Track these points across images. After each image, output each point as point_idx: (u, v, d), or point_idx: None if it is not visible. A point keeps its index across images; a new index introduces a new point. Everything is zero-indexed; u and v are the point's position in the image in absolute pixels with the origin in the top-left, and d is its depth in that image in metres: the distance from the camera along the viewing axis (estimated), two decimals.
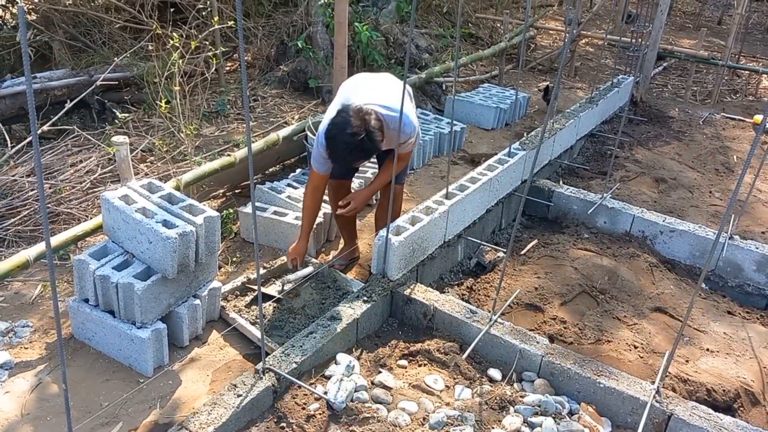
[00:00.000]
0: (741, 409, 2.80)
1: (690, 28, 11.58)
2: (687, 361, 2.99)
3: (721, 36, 10.42)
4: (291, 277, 3.25)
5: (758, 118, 6.67)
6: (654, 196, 4.77)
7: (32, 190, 3.90)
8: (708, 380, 2.85)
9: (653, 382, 2.57)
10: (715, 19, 12.20)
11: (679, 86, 8.16)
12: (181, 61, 4.07)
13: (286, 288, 3.21)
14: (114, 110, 5.20)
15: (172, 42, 3.98)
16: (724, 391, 2.81)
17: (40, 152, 3.92)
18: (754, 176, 3.88)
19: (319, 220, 3.69)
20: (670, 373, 2.81)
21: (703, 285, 3.80)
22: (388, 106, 3.01)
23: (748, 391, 2.86)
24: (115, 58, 4.91)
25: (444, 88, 6.58)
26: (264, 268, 3.41)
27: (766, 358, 3.10)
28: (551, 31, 9.61)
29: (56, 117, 4.28)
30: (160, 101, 4.12)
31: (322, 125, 3.00)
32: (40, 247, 2.99)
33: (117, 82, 5.28)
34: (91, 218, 3.32)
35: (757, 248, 3.69)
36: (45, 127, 4.22)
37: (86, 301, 2.81)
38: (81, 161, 4.33)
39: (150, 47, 5.11)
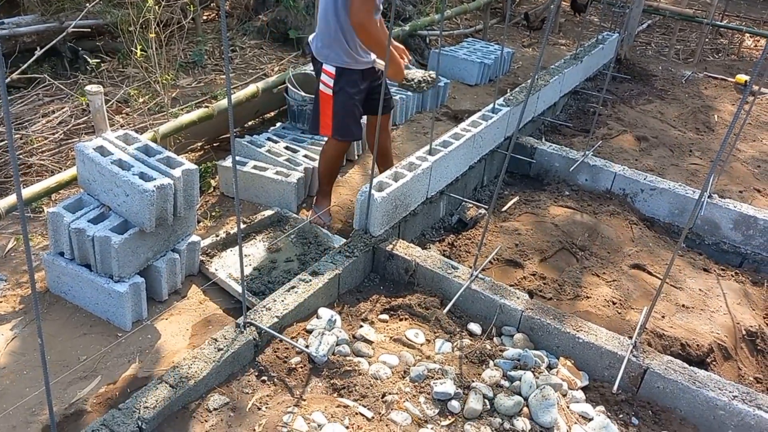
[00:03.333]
0: (714, 363, 2.86)
1: None
2: (663, 317, 3.04)
3: None
4: None
5: (741, 77, 6.67)
6: (635, 154, 4.78)
7: (1, 140, 3.77)
8: (683, 335, 2.91)
9: (630, 337, 2.61)
10: None
11: (662, 44, 8.12)
12: (156, 7, 3.91)
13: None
14: (87, 58, 5.02)
15: None
16: (698, 345, 2.87)
17: (8, 101, 3.78)
18: (735, 136, 3.89)
19: (299, 175, 3.64)
20: (646, 328, 2.86)
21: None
22: None
23: (721, 345, 2.92)
24: (87, 4, 4.70)
25: (428, 41, 6.46)
26: (244, 222, 3.37)
27: (739, 314, 3.17)
28: None
29: (26, 65, 4.11)
30: (135, 49, 3.98)
31: None
32: (11, 199, 2.90)
33: (90, 30, 5.07)
34: (64, 170, 3.22)
35: (734, 207, 3.72)
36: (14, 75, 4.06)
37: (61, 254, 2.75)
38: (53, 111, 4.20)
39: None
